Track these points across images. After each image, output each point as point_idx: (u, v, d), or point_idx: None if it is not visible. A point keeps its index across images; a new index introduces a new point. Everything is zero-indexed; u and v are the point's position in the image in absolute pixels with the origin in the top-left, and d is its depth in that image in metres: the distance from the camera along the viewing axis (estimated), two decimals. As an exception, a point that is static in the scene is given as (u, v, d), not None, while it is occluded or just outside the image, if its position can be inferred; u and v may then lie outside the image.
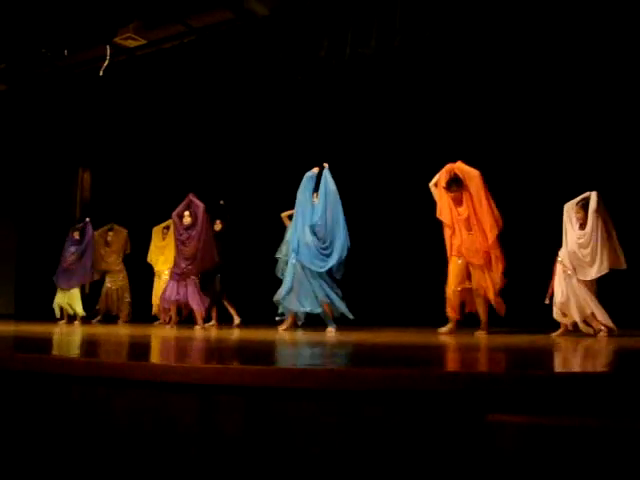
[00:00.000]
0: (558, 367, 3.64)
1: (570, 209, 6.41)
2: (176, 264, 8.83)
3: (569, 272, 6.26)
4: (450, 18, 7.70)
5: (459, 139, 8.45)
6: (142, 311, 10.27)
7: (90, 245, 10.29)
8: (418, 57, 8.62)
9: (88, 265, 10.27)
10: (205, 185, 10.07)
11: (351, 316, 7.49)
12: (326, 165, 7.74)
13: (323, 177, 7.74)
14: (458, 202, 6.80)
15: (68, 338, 6.43)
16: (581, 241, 6.24)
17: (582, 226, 6.30)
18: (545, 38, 7.75)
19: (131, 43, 9.74)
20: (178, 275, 8.72)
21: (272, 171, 9.97)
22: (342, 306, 7.50)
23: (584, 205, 6.33)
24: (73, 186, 12.88)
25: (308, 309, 7.54)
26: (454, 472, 2.66)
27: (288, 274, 7.71)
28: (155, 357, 4.51)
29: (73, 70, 10.82)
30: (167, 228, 9.90)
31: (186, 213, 8.77)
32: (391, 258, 9.10)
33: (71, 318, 10.20)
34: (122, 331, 7.95)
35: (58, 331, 7.76)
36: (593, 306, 6.15)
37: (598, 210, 6.21)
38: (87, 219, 10.51)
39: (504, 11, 7.52)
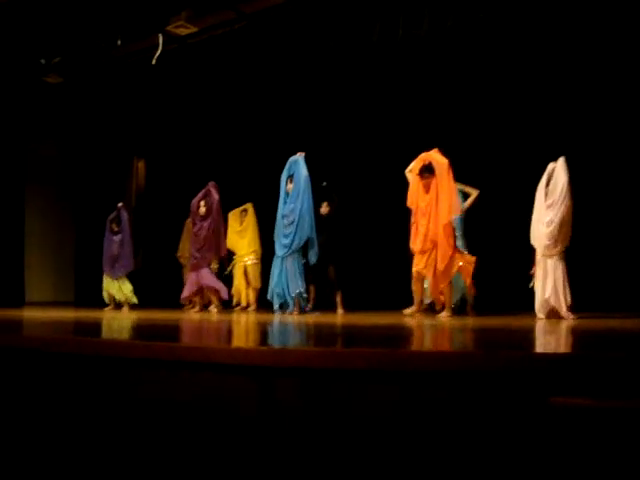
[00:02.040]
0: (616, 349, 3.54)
1: (541, 189, 6.48)
2: (191, 254, 9.20)
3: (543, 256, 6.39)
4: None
5: (514, 120, 8.32)
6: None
7: (127, 230, 10.19)
8: (471, 38, 8.48)
9: (129, 252, 10.21)
10: (260, 170, 10.08)
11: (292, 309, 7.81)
12: (302, 153, 7.91)
13: (296, 164, 7.87)
14: (427, 189, 7.03)
15: (127, 323, 6.54)
16: (548, 214, 6.33)
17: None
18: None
19: (183, 31, 9.75)
20: (193, 265, 9.09)
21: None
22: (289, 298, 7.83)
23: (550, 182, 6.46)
24: (128, 175, 13.08)
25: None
26: (516, 454, 2.62)
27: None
28: (213, 340, 4.55)
29: (127, 60, 10.94)
30: (245, 211, 9.83)
31: (202, 203, 9.05)
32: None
33: (118, 305, 10.18)
34: (183, 316, 8.07)
35: (117, 316, 7.91)
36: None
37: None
38: (119, 204, 10.27)
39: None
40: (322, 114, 10.10)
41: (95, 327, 5.89)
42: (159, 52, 9.77)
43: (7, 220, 12.45)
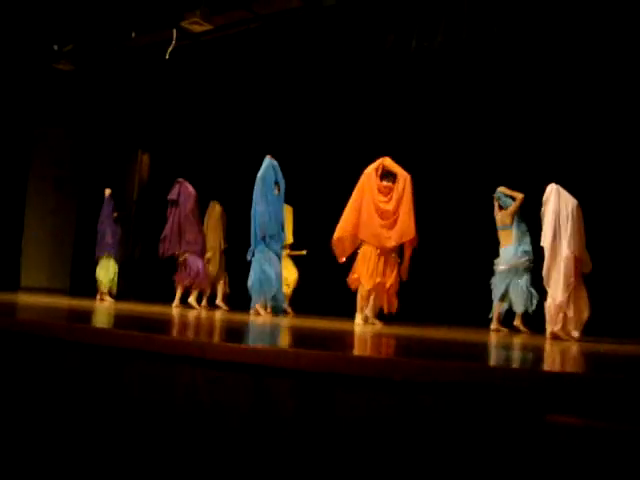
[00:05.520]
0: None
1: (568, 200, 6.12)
2: (179, 242, 9.49)
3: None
4: (518, 13, 7.60)
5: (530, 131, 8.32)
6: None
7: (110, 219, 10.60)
8: (486, 52, 8.47)
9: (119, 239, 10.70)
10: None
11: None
12: (269, 156, 8.21)
13: (274, 169, 8.18)
14: (385, 193, 7.01)
15: (126, 313, 6.52)
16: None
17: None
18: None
19: (197, 28, 9.73)
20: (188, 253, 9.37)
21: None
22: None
23: None
24: (132, 168, 13.03)
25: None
26: (510, 469, 2.60)
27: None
28: (213, 336, 4.53)
29: (139, 53, 10.92)
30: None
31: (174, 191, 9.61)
32: (435, 258, 8.83)
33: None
34: (179, 311, 8.05)
35: (116, 307, 7.90)
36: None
37: None
38: (108, 192, 10.61)
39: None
40: (331, 118, 10.07)
41: (92, 316, 5.86)
42: (172, 47, 9.75)
43: (7, 205, 12.42)
